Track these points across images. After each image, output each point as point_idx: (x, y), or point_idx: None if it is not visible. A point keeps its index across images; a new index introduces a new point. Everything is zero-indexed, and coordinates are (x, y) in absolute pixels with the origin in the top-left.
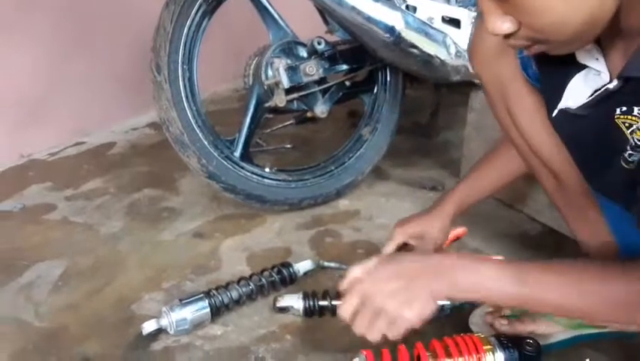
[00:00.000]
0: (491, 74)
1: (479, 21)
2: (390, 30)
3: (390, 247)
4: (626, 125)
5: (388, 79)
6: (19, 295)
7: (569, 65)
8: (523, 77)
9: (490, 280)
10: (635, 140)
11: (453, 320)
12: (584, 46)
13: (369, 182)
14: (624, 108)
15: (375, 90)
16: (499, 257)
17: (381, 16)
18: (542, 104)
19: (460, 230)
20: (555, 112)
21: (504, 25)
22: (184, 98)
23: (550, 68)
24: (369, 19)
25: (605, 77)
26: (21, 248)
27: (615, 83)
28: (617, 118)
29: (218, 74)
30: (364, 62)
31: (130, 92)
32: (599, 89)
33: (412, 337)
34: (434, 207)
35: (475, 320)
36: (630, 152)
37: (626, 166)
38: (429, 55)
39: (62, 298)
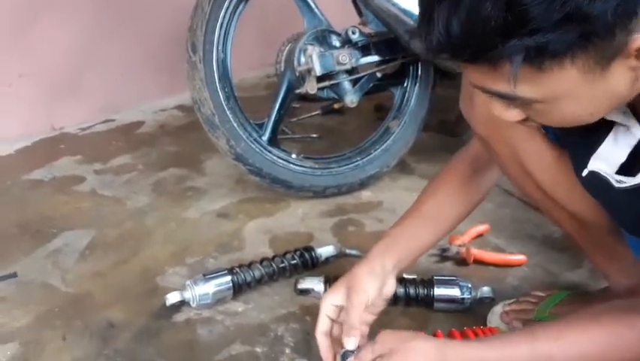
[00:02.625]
0: (499, 134)
1: None
2: None
3: (322, 324)
4: None
5: (419, 73)
6: (47, 261)
7: (593, 123)
8: (540, 132)
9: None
10: None
11: (473, 313)
12: None
13: (393, 175)
14: None
15: (405, 84)
16: (522, 256)
17: (417, 9)
18: (563, 157)
19: (482, 227)
20: (585, 172)
21: (511, 113)
22: (217, 80)
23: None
24: (404, 11)
25: (636, 131)
26: (50, 217)
27: None
28: None
29: (247, 62)
30: (397, 54)
31: (161, 74)
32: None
33: (431, 325)
34: (368, 261)
35: (494, 318)
36: None
37: None
38: None
39: (89, 266)
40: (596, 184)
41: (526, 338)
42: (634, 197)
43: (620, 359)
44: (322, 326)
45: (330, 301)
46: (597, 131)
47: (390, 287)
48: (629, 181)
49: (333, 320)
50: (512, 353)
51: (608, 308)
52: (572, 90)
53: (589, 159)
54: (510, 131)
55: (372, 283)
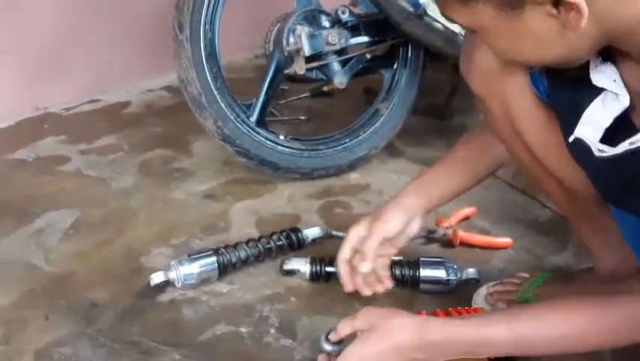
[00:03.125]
0: (493, 92)
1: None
2: (416, 3)
3: (344, 252)
4: None
5: (409, 55)
6: (30, 241)
7: (584, 87)
8: (532, 93)
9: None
10: None
11: (458, 294)
12: (577, 65)
13: (381, 158)
14: None
15: (395, 66)
16: (507, 239)
17: None
18: (554, 121)
19: (469, 210)
20: (572, 138)
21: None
22: (204, 59)
23: (564, 88)
24: None
25: (624, 99)
26: (34, 196)
27: None
28: None
29: (235, 43)
30: (387, 35)
31: (148, 54)
32: (619, 115)
33: (416, 306)
34: (399, 197)
35: (479, 299)
36: None
37: None
38: (453, 32)
39: (72, 246)
40: (581, 152)
41: (506, 318)
42: (614, 167)
43: (599, 342)
44: (344, 253)
45: (355, 233)
46: (587, 98)
47: (416, 226)
48: (609, 151)
49: (356, 251)
50: (492, 332)
51: (590, 293)
52: (492, 25)
53: (576, 125)
54: (504, 89)
55: (398, 217)
